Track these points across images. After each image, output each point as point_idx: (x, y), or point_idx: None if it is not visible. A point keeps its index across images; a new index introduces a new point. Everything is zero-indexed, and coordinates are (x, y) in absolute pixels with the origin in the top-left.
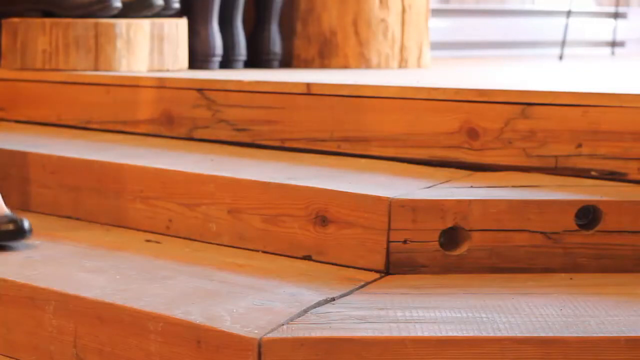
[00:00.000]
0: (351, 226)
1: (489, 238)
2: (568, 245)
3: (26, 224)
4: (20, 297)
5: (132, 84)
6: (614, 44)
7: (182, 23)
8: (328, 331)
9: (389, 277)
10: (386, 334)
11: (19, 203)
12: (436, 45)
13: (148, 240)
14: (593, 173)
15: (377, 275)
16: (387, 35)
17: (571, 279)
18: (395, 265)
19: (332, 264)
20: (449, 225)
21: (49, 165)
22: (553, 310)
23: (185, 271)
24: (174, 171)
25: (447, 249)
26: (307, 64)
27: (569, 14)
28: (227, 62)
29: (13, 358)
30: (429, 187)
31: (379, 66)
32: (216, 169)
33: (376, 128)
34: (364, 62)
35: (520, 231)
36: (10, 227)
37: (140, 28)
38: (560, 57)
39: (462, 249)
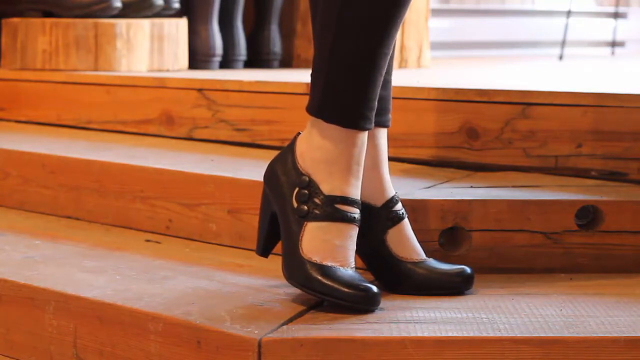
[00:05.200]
0: None
1: (489, 238)
2: (568, 245)
3: None
4: (20, 297)
5: (132, 84)
6: (614, 44)
7: (182, 23)
8: (328, 331)
9: None
10: (386, 334)
11: (19, 203)
12: (436, 45)
13: (148, 240)
14: (593, 173)
15: None
16: None
17: (571, 279)
18: None
19: None
20: (449, 225)
21: (49, 165)
22: (553, 311)
23: (185, 271)
24: (174, 171)
25: (447, 249)
26: (307, 64)
27: (569, 14)
28: (227, 62)
29: (13, 358)
30: (429, 187)
31: None
32: (216, 169)
33: None
34: None
35: (520, 231)
36: None
37: (140, 28)
38: (560, 57)
39: (462, 249)
